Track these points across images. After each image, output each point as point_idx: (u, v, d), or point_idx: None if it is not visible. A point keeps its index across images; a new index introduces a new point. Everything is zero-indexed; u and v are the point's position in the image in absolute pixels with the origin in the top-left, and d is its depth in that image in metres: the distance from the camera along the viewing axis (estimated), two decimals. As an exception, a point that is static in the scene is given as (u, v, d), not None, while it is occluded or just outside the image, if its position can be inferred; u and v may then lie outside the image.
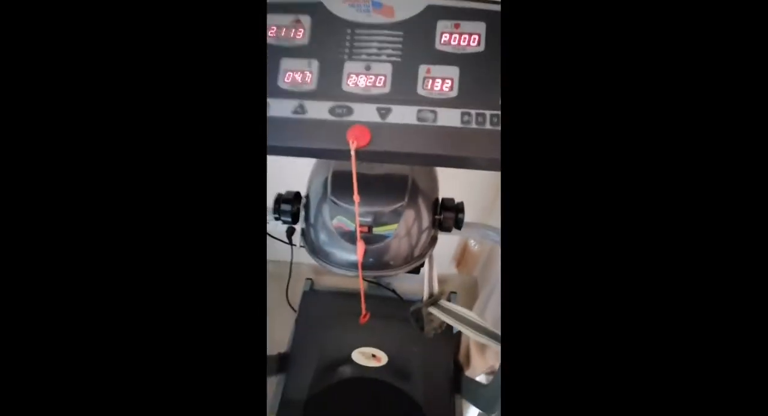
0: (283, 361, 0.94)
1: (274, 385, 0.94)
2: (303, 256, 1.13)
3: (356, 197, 0.40)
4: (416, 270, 1.04)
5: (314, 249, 0.53)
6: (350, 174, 0.41)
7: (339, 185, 0.49)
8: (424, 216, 0.51)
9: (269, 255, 1.38)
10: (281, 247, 1.16)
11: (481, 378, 0.88)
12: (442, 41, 0.37)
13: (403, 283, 1.17)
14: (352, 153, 0.35)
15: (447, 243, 0.58)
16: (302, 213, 0.53)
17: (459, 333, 0.97)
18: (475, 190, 0.90)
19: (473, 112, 0.37)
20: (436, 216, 0.53)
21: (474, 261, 1.14)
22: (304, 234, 0.55)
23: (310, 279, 1.17)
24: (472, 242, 1.07)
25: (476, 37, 0.37)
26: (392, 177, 0.51)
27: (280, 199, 0.52)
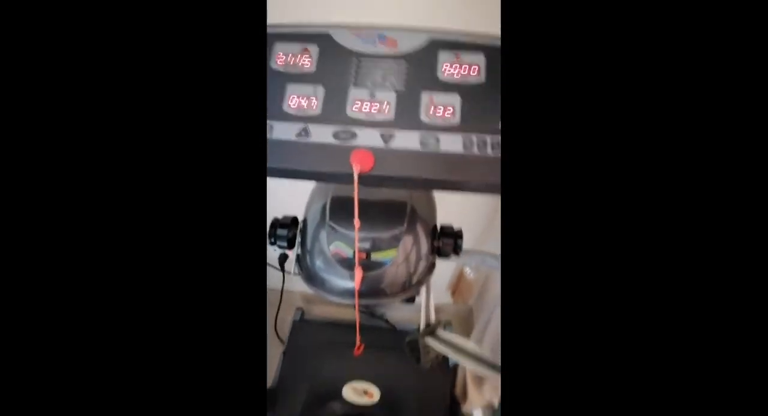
0: (270, 397, 0.89)
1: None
2: (294, 284, 1.11)
3: (357, 222, 0.39)
4: (411, 299, 1.02)
5: (309, 276, 0.52)
6: (349, 199, 0.40)
7: (338, 210, 0.48)
8: (423, 242, 0.51)
9: (259, 283, 1.32)
10: (271, 274, 1.13)
11: (477, 414, 0.84)
12: (443, 71, 0.39)
13: (397, 313, 1.14)
14: (355, 177, 0.35)
15: (442, 271, 0.57)
16: (298, 239, 0.52)
17: (456, 365, 0.93)
18: (469, 215, 0.90)
19: (475, 137, 0.37)
20: (435, 243, 0.52)
21: (469, 289, 1.12)
22: (299, 260, 0.53)
23: (301, 308, 1.13)
24: (467, 270, 1.06)
25: (476, 67, 0.39)
26: (391, 203, 0.51)
27: (276, 224, 0.51)
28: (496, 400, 0.87)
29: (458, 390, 0.89)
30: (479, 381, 0.88)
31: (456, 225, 0.55)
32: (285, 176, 0.38)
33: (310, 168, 0.37)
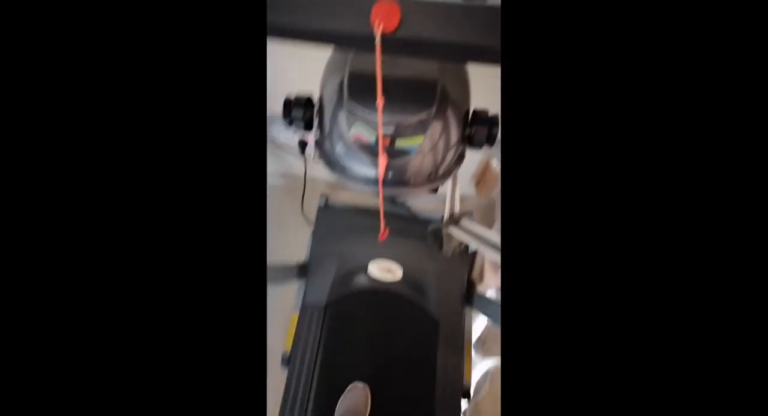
0: (302, 269, 0.98)
1: (295, 290, 1.00)
2: (317, 171, 1.10)
3: (380, 98, 0.33)
4: (434, 189, 1.01)
5: (330, 162, 0.49)
6: (369, 75, 0.34)
7: (357, 88, 0.42)
8: (453, 130, 0.45)
9: (282, 169, 1.36)
10: (295, 161, 1.12)
11: (492, 294, 0.91)
12: None
13: (419, 202, 1.16)
14: (377, 38, 0.28)
15: (467, 160, 0.52)
16: (315, 121, 0.48)
17: (475, 251, 0.97)
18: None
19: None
20: (467, 130, 0.47)
21: (495, 182, 1.09)
22: (319, 145, 0.50)
23: (325, 194, 1.16)
24: (494, 162, 1.01)
25: None
26: (419, 81, 0.44)
27: (290, 104, 0.46)
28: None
29: (475, 274, 0.95)
30: (496, 266, 0.92)
31: (492, 111, 0.48)
32: (290, 36, 0.31)
33: (322, 26, 0.30)
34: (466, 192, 1.20)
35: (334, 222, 1.02)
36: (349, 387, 0.88)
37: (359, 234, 0.98)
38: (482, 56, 0.31)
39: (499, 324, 0.69)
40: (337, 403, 0.83)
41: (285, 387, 0.86)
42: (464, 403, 0.85)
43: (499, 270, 0.91)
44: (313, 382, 0.86)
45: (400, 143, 0.42)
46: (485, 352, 0.94)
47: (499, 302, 0.76)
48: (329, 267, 0.97)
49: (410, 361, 0.88)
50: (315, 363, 0.88)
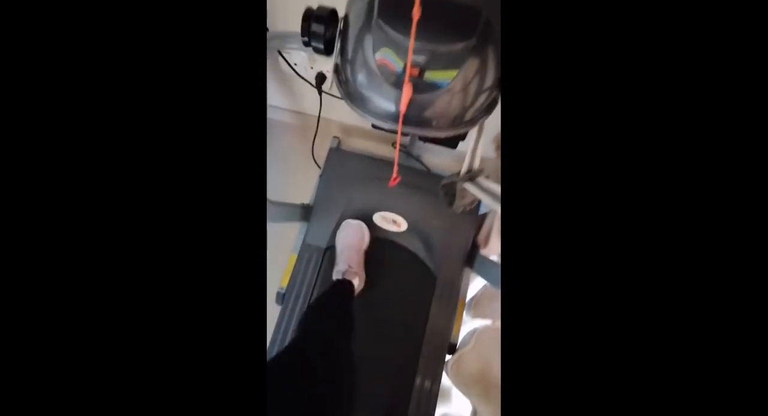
0: (306, 211, 0.97)
1: (296, 231, 0.99)
2: (331, 111, 1.04)
3: (417, 10, 0.29)
4: (454, 144, 0.96)
5: (348, 92, 0.44)
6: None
7: (390, 5, 0.37)
8: (491, 70, 0.40)
9: (295, 106, 1.30)
10: (310, 98, 1.06)
11: (495, 259, 0.90)
12: None
13: (434, 156, 1.11)
14: None
15: (491, 120, 0.47)
16: (337, 45, 0.42)
17: (484, 214, 0.94)
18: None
19: None
20: (506, 72, 0.41)
21: (517, 145, 1.04)
22: (338, 71, 0.45)
23: (337, 137, 1.11)
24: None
25: None
26: (462, 7, 0.38)
27: (310, 15, 0.41)
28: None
29: (481, 236, 0.93)
30: (504, 231, 0.90)
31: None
32: None
33: None
34: (486, 155, 1.15)
35: (344, 167, 0.99)
36: (342, 225, 0.91)
37: (368, 182, 0.95)
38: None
39: (497, 288, 0.68)
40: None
41: (276, 325, 0.88)
42: (448, 357, 0.88)
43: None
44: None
45: (430, 75, 0.38)
46: (477, 313, 0.94)
47: (500, 265, 0.75)
48: (334, 212, 0.95)
49: (403, 312, 0.89)
50: (307, 303, 0.90)
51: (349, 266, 0.82)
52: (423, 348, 0.86)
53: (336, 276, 0.82)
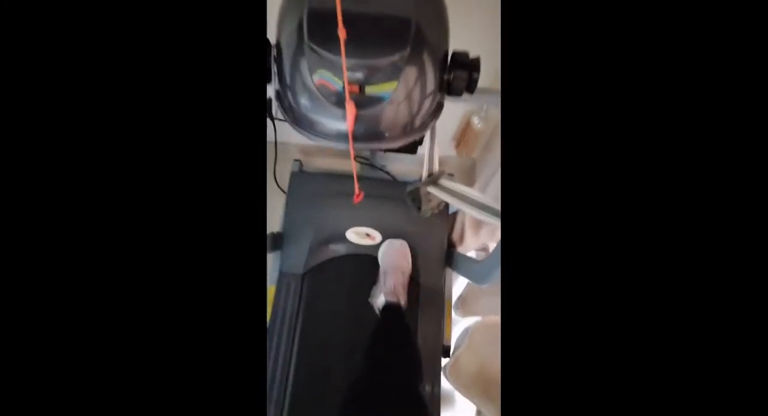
0: (277, 240, 0.94)
1: (270, 261, 0.96)
2: (288, 135, 1.03)
3: (341, 30, 0.29)
4: (413, 149, 0.97)
5: (295, 117, 0.44)
6: (331, 11, 0.29)
7: (318, 27, 0.37)
8: (430, 75, 0.41)
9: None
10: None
11: (472, 255, 0.90)
12: None
13: (398, 164, 1.11)
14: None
15: (447, 118, 0.48)
16: (273, 69, 0.42)
17: (455, 212, 0.95)
18: (487, 45, 0.75)
19: None
20: (445, 76, 0.42)
21: (475, 141, 1.06)
22: (280, 98, 0.44)
23: (298, 160, 1.10)
24: (475, 119, 0.96)
25: None
26: (390, 18, 0.39)
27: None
28: (491, 243, 0.92)
29: (456, 234, 0.94)
30: (476, 226, 0.91)
31: (473, 53, 0.43)
32: None
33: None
34: (447, 153, 1.16)
35: (309, 189, 0.97)
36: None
37: (335, 200, 0.94)
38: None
39: (480, 284, 0.69)
40: (319, 370, 0.83)
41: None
42: (444, 361, 0.87)
43: (480, 230, 0.90)
44: (294, 351, 0.85)
45: (371, 90, 0.38)
46: (465, 312, 0.95)
47: (479, 260, 0.76)
48: (305, 235, 0.93)
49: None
50: (294, 333, 0.87)
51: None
52: (419, 356, 0.85)
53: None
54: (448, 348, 0.89)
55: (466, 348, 0.84)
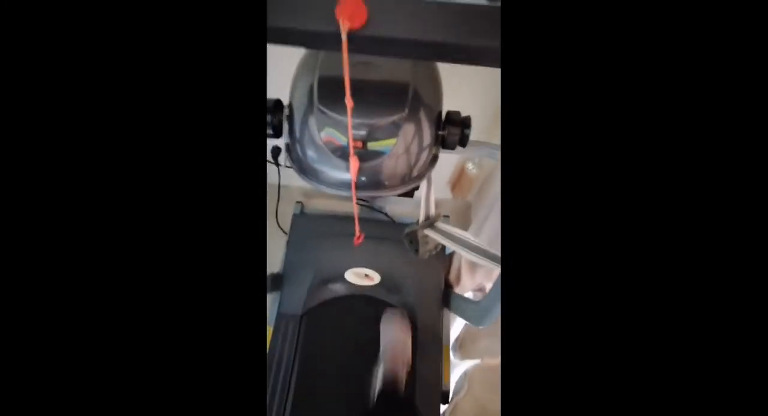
0: (276, 280, 0.95)
1: (269, 302, 0.97)
2: (291, 178, 1.07)
3: (348, 100, 0.33)
4: (410, 193, 1.01)
5: (302, 168, 0.48)
6: (339, 78, 0.33)
7: (328, 91, 0.42)
8: (426, 131, 0.46)
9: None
10: (268, 170, 1.09)
11: (469, 295, 0.91)
12: None
13: (396, 206, 1.15)
14: (344, 36, 0.27)
15: (442, 164, 0.53)
16: (286, 127, 0.46)
17: (451, 254, 0.98)
18: (479, 101, 0.82)
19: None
20: (440, 132, 0.47)
21: (470, 185, 1.11)
22: (289, 150, 0.49)
23: (300, 202, 1.14)
24: (470, 165, 1.02)
25: None
26: (390, 84, 0.44)
27: (258, 108, 0.45)
28: (488, 283, 0.94)
29: (452, 275, 0.95)
30: (473, 266, 0.93)
31: (464, 112, 0.49)
32: None
33: (289, 24, 0.29)
34: (443, 196, 1.21)
35: (310, 230, 1.00)
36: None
37: (336, 241, 0.96)
38: (455, 54, 0.31)
39: (477, 325, 0.69)
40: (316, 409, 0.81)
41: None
42: (443, 407, 0.85)
43: (476, 270, 0.91)
44: (289, 397, 0.83)
45: (373, 145, 0.42)
46: (463, 355, 0.94)
47: (476, 301, 0.77)
48: (305, 276, 0.95)
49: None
50: (292, 373, 0.85)
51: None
52: (416, 402, 0.83)
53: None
54: (447, 392, 0.87)
55: (465, 393, 0.83)
